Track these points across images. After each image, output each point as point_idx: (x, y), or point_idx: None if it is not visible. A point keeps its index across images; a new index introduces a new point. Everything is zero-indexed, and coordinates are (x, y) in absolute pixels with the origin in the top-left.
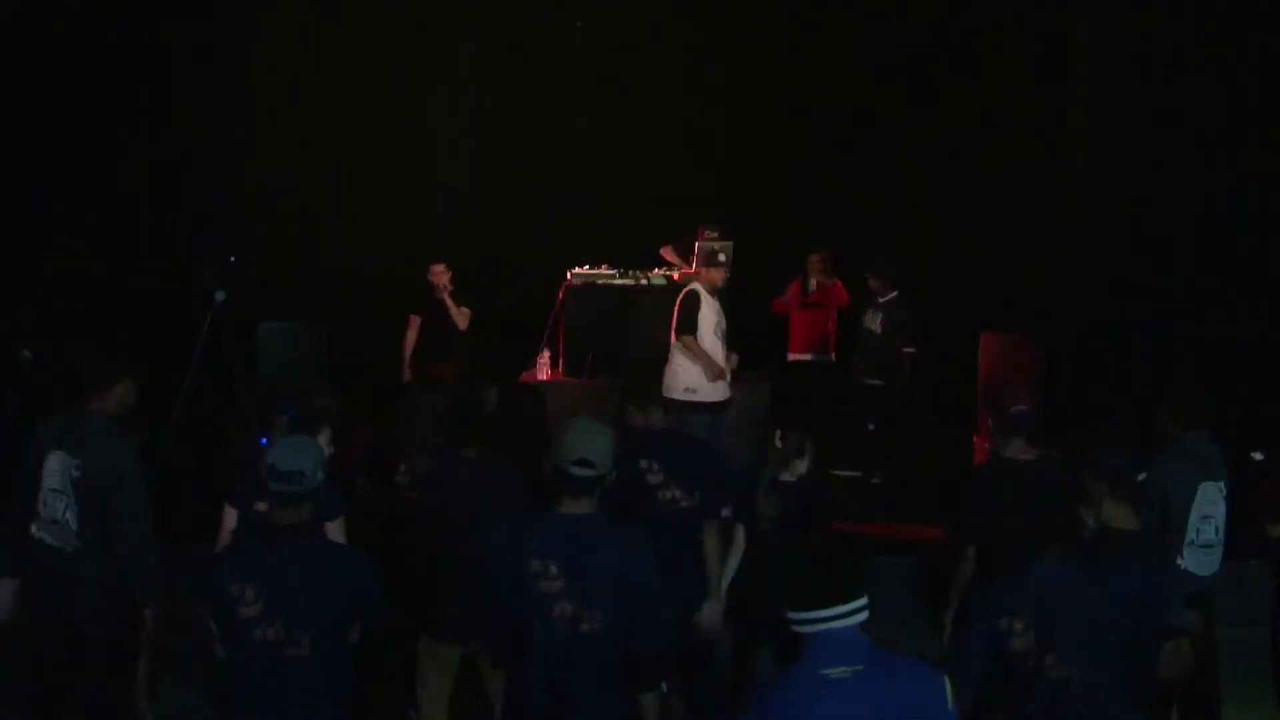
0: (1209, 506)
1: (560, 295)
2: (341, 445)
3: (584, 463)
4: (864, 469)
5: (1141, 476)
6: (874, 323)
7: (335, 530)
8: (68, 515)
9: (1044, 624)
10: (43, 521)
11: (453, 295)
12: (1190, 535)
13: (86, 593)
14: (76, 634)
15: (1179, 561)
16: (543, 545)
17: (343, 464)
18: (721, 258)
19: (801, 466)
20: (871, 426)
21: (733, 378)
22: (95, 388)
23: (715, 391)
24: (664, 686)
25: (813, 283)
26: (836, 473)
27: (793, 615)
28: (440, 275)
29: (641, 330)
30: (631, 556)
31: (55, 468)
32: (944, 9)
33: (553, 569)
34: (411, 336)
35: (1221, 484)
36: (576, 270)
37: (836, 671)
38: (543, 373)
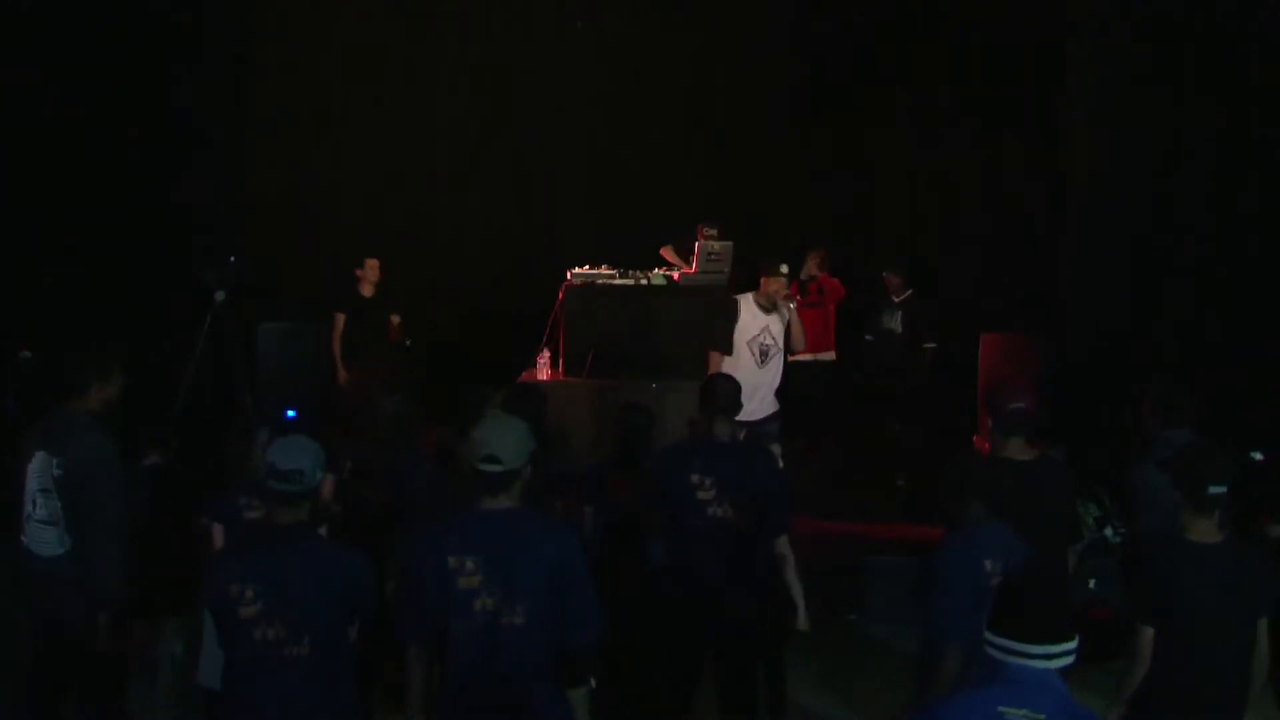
0: None
1: (560, 295)
2: None
3: (491, 459)
4: (890, 471)
5: (1220, 489)
6: (894, 322)
7: None
8: (58, 514)
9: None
10: (35, 525)
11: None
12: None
13: (75, 593)
14: (70, 637)
15: None
16: (460, 541)
17: None
18: (783, 269)
19: None
20: (897, 427)
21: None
22: (74, 389)
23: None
24: (593, 682)
25: (804, 273)
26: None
27: (994, 639)
28: (377, 270)
29: (641, 330)
30: (560, 551)
31: (39, 468)
32: (944, 13)
33: (469, 564)
34: (338, 335)
35: None
36: (576, 270)
37: (1019, 714)
38: (543, 373)
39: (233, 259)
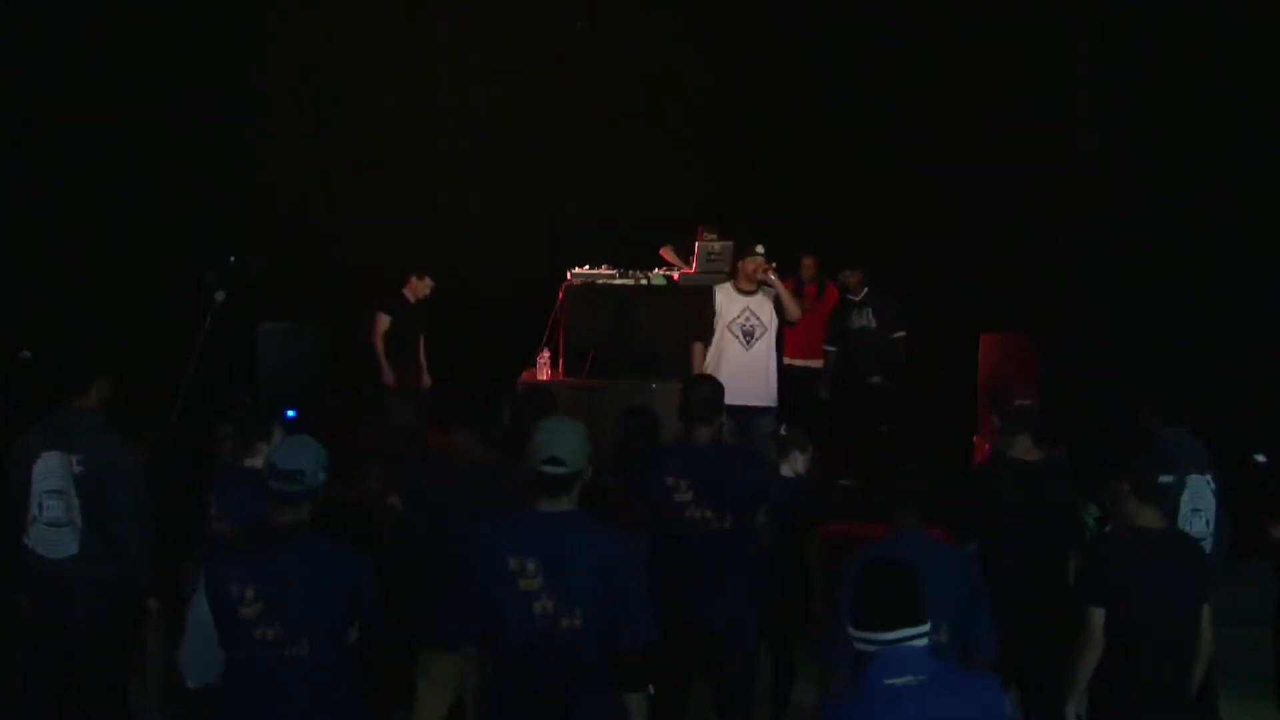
0: (1199, 500)
1: (560, 295)
2: None
3: (554, 460)
4: (879, 474)
5: (1167, 479)
6: (865, 318)
7: None
8: (73, 514)
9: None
10: (40, 527)
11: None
12: (1183, 526)
13: (83, 595)
14: (72, 639)
15: None
16: (520, 543)
17: None
18: (759, 249)
19: (800, 463)
20: (884, 429)
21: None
22: (75, 388)
23: (733, 394)
24: (651, 688)
25: (803, 276)
26: (843, 482)
27: (858, 634)
28: (428, 288)
29: (641, 330)
30: (614, 553)
31: (52, 468)
32: (945, 13)
33: (530, 566)
34: (381, 336)
35: (1208, 477)
36: (576, 270)
37: (901, 680)
38: (543, 373)
39: (233, 259)
